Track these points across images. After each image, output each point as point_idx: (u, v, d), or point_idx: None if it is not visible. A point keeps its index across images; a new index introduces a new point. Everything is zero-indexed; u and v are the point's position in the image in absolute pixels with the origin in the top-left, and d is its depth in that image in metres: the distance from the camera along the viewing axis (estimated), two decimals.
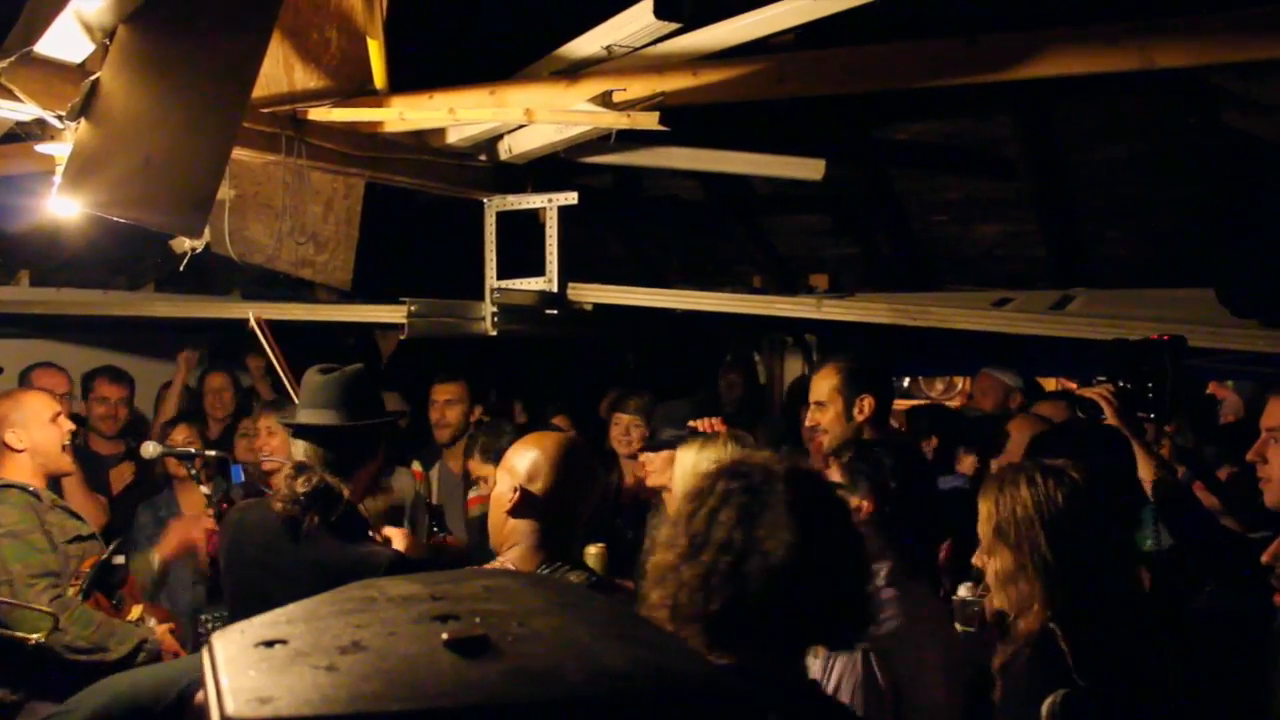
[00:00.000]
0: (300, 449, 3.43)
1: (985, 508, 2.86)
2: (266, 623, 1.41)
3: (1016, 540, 2.76)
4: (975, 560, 2.92)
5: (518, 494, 2.94)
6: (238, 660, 1.29)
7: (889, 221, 6.62)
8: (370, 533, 3.56)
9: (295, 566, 3.22)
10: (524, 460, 2.98)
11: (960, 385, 10.62)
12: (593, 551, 4.31)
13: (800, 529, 1.99)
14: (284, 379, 5.14)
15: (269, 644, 1.32)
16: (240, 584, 3.45)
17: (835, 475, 3.51)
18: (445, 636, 1.29)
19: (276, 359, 5.03)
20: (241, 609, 3.45)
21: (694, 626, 2.01)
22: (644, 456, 4.72)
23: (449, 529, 5.34)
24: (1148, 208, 5.59)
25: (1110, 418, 3.69)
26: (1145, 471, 3.60)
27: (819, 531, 2.03)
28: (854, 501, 3.33)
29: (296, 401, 3.75)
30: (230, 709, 1.17)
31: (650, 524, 4.80)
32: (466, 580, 1.71)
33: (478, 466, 5.20)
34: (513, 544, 2.99)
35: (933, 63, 4.06)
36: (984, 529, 2.86)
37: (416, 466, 6.06)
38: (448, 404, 6.09)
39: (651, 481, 4.66)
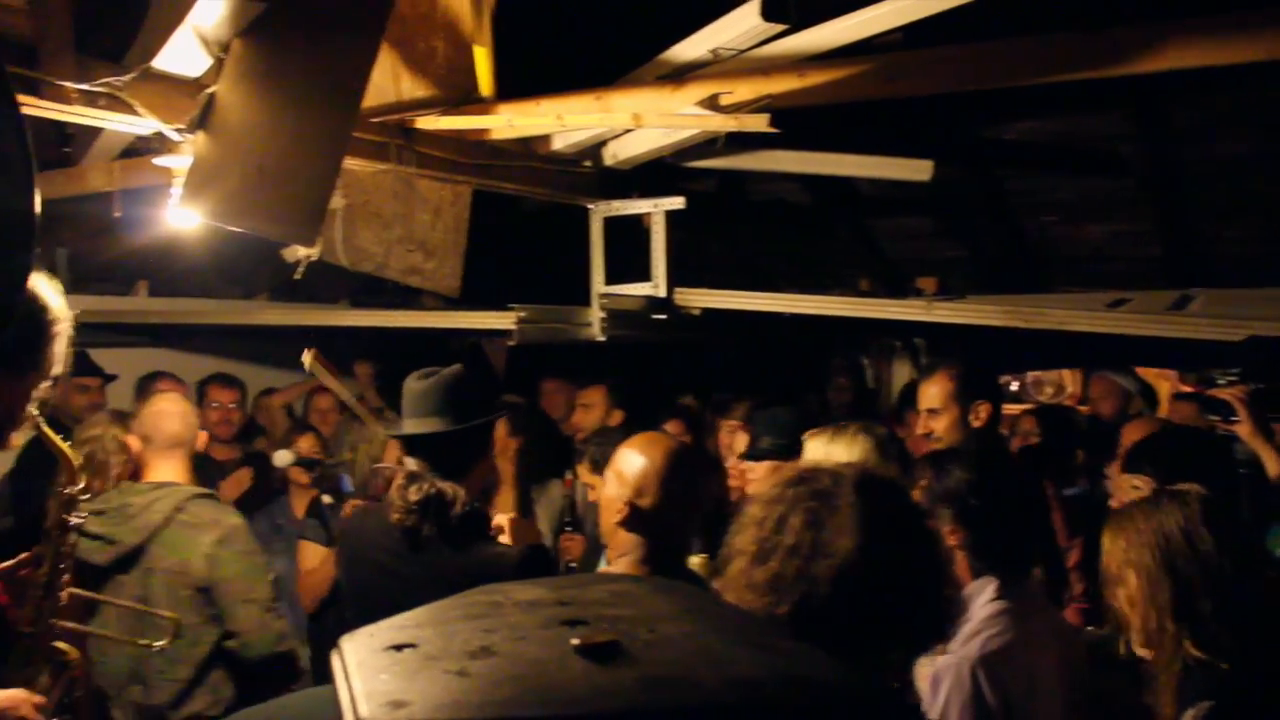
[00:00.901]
0: (411, 458, 3.44)
1: (1111, 542, 2.82)
2: (394, 626, 1.43)
3: (1148, 571, 2.71)
4: (1107, 595, 2.86)
5: (627, 508, 2.92)
6: (368, 664, 1.30)
7: (997, 222, 6.51)
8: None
9: (418, 572, 3.23)
10: (633, 470, 2.95)
11: (1070, 388, 10.41)
12: (696, 562, 4.27)
13: (866, 532, 1.99)
14: (352, 407, 5.26)
15: (398, 648, 1.33)
16: (362, 589, 3.47)
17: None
18: (576, 642, 1.29)
19: (340, 391, 5.14)
20: (365, 614, 3.46)
21: None
22: (745, 465, 4.66)
23: (584, 529, 5.33)
24: (1270, 204, 5.42)
25: (1244, 420, 3.58)
26: (1276, 468, 3.52)
27: (887, 535, 2.03)
28: (944, 528, 3.25)
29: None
30: (365, 712, 1.18)
31: None
32: (592, 585, 1.70)
33: (586, 475, 5.19)
34: (622, 553, 2.98)
35: (1050, 58, 3.97)
36: (1112, 562, 2.82)
37: (569, 475, 6.08)
38: (586, 409, 6.11)
39: (752, 490, 4.61)
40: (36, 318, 2.46)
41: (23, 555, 2.75)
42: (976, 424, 4.32)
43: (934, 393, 4.38)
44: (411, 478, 3.33)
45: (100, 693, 3.79)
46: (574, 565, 5.23)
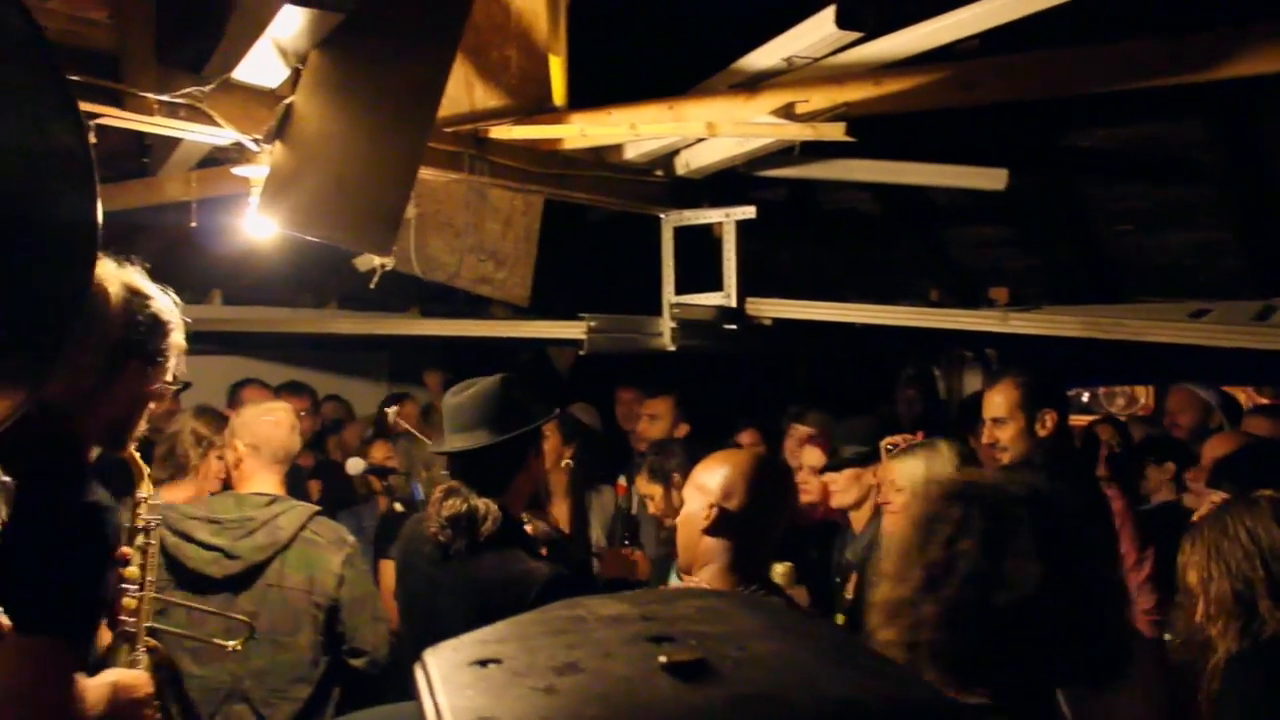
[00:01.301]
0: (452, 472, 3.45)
1: (1188, 551, 2.79)
2: (477, 641, 1.38)
3: (1221, 578, 2.71)
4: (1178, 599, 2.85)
5: (714, 511, 2.90)
6: (453, 679, 1.27)
7: (1072, 232, 6.41)
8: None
9: (455, 582, 3.26)
10: (717, 477, 2.93)
11: (1142, 399, 10.24)
12: (780, 570, 4.22)
13: (1049, 559, 1.83)
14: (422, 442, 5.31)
15: (482, 663, 1.30)
16: (410, 597, 3.51)
17: None
18: (663, 659, 1.25)
19: (419, 437, 5.21)
20: (411, 622, 3.54)
21: (940, 664, 1.87)
22: (827, 476, 4.62)
23: (641, 542, 5.32)
24: None
25: None
26: None
27: (1069, 561, 1.86)
28: None
29: None
30: None
31: (835, 545, 4.71)
32: (677, 600, 1.67)
33: (645, 485, 5.16)
34: (705, 563, 2.95)
35: (1131, 64, 3.90)
36: (1187, 569, 2.80)
37: (621, 481, 6.08)
38: (652, 419, 6.10)
39: (836, 502, 4.57)
40: (150, 312, 2.61)
41: (123, 550, 2.80)
42: (1043, 433, 4.28)
43: (999, 401, 4.34)
44: (448, 492, 3.33)
45: (191, 706, 3.79)
46: (641, 581, 5.23)
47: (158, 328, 2.65)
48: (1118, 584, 2.08)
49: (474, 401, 3.39)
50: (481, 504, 3.26)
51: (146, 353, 2.61)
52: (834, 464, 4.51)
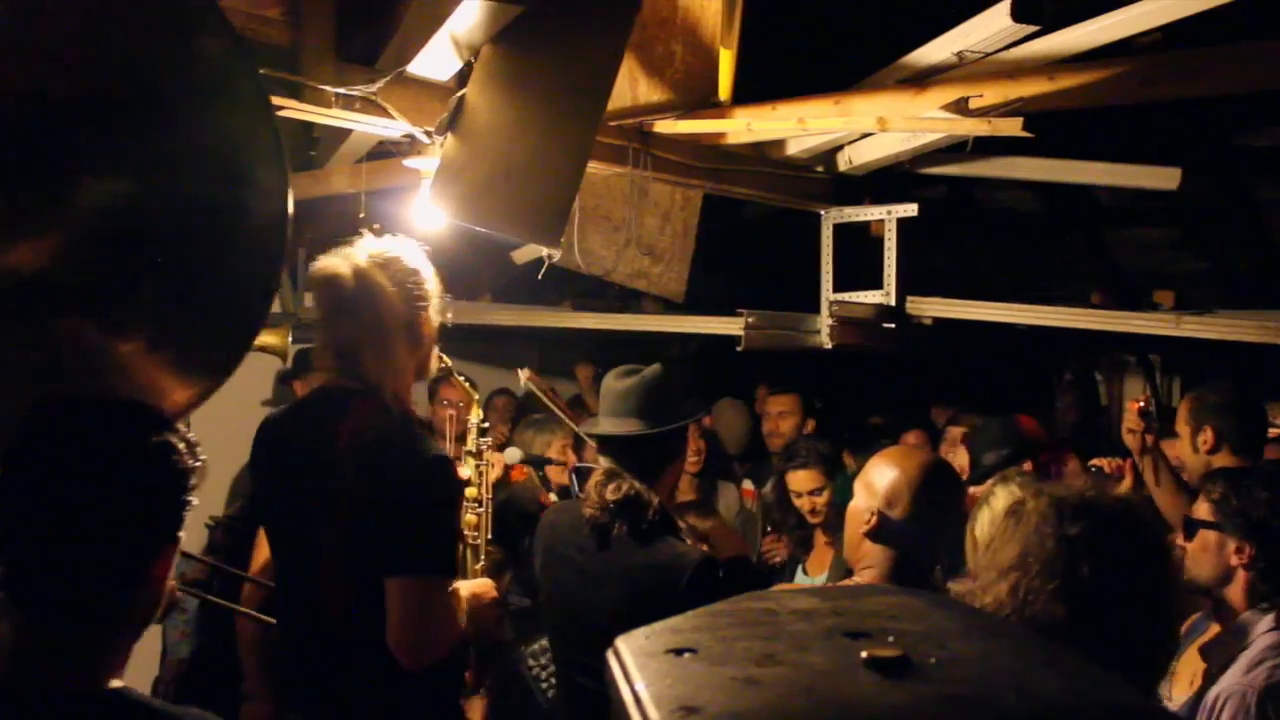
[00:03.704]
0: (604, 457, 3.47)
1: None
2: (668, 629, 1.39)
3: None
4: None
5: (875, 518, 2.87)
6: (650, 667, 1.27)
7: (1245, 234, 6.18)
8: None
9: (604, 570, 3.27)
10: (884, 480, 2.90)
11: None
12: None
13: (1102, 563, 1.98)
14: (566, 422, 5.34)
15: (678, 652, 1.30)
16: (554, 585, 3.52)
17: (1203, 512, 3.25)
18: (865, 655, 1.24)
19: (559, 408, 5.24)
20: (554, 610, 3.58)
21: None
22: (972, 490, 4.54)
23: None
24: None
25: None
26: None
27: (1124, 567, 2.02)
28: (1229, 545, 3.10)
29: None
30: (656, 718, 1.15)
31: None
32: (866, 596, 1.65)
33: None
34: (866, 566, 2.93)
35: None
36: None
37: (747, 485, 6.07)
38: (781, 415, 6.09)
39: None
40: (415, 278, 3.05)
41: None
42: (1204, 449, 4.18)
43: (1178, 416, 4.27)
44: (610, 475, 3.35)
45: None
46: (779, 564, 5.29)
47: (424, 289, 3.09)
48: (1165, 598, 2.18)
49: (638, 389, 3.42)
50: (643, 489, 3.29)
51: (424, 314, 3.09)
52: (974, 477, 4.40)
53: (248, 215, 2.43)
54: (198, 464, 1.92)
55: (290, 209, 2.47)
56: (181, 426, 1.96)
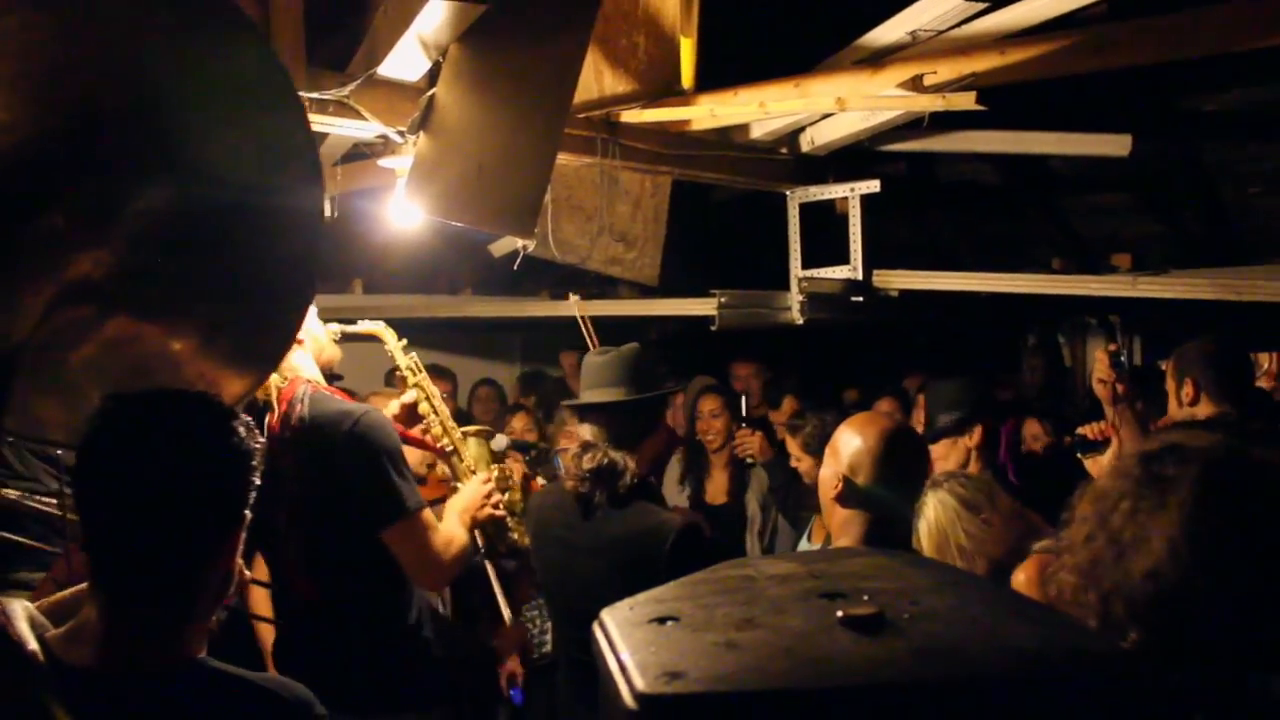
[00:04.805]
0: (587, 428, 3.54)
1: None
2: (652, 600, 1.44)
3: None
4: None
5: (841, 483, 2.95)
6: (634, 636, 1.31)
7: (1197, 196, 6.28)
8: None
9: (591, 540, 3.36)
10: (848, 447, 2.97)
11: (1265, 365, 9.92)
12: None
13: (1193, 528, 1.62)
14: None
15: (661, 620, 1.34)
16: (546, 562, 3.62)
17: None
18: (841, 614, 1.29)
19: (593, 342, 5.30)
20: (549, 585, 3.71)
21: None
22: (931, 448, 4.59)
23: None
24: None
25: None
26: None
27: (1223, 534, 1.62)
28: None
29: None
30: (641, 685, 1.18)
31: None
32: (842, 559, 1.71)
33: (797, 450, 5.20)
34: (842, 532, 3.00)
35: (1261, 22, 3.81)
36: None
37: None
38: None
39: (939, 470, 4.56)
40: None
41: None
42: (1186, 401, 4.24)
43: (1167, 372, 4.33)
44: (585, 447, 3.45)
45: None
46: (752, 460, 5.50)
47: None
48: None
49: (616, 361, 3.54)
50: (619, 456, 3.38)
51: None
52: (931, 435, 4.45)
53: (287, 208, 2.54)
54: (259, 445, 1.99)
55: (325, 200, 2.60)
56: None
